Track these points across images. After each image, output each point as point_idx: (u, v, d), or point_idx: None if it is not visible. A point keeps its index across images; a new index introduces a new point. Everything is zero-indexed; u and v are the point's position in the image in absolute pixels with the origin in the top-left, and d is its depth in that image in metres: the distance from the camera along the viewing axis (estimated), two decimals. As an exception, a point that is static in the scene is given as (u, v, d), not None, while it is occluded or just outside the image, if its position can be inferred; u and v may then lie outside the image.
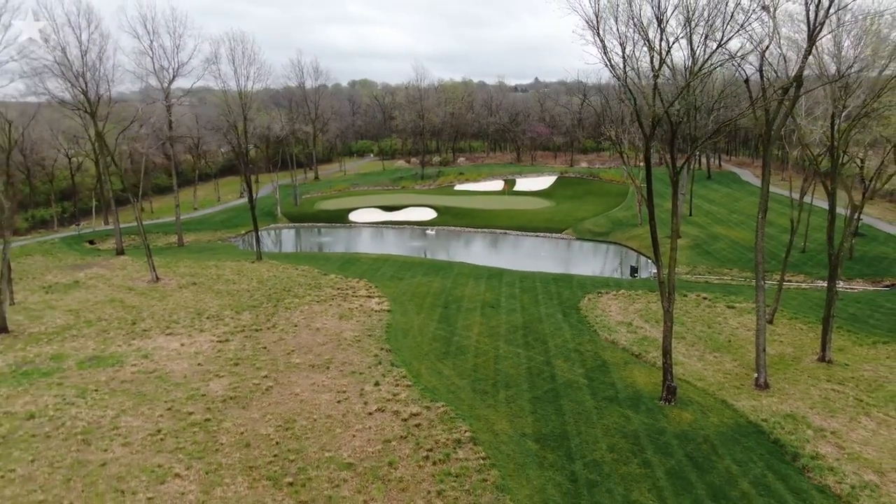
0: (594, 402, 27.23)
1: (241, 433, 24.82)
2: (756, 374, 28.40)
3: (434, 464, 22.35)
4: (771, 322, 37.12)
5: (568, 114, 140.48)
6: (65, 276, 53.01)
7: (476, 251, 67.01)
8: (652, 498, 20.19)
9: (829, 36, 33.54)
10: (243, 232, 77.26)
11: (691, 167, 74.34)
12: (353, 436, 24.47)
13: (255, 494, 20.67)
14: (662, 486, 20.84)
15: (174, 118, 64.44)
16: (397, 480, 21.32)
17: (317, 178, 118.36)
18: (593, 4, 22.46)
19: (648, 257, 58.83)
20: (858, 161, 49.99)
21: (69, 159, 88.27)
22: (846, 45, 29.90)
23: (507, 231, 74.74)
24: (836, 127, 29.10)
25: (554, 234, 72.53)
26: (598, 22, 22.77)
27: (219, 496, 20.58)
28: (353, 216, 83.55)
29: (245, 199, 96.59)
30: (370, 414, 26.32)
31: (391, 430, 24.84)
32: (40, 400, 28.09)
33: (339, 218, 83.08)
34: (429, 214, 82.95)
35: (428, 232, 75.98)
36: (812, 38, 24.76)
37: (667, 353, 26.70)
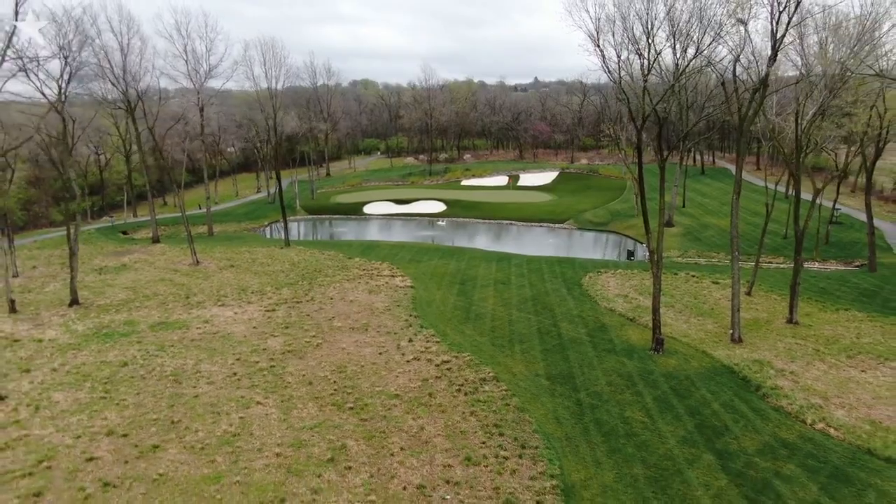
0: (595, 352, 32.46)
1: (303, 375, 30.01)
2: (731, 331, 33.63)
3: (465, 394, 27.56)
4: (749, 294, 42.38)
5: (568, 113, 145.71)
6: (111, 261, 58.17)
7: (485, 239, 72.12)
8: (642, 415, 25.42)
9: (815, 38, 38.80)
10: (266, 223, 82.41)
11: (684, 163, 79.52)
12: (397, 376, 29.67)
13: (324, 415, 25.86)
14: (650, 407, 26.08)
15: (203, 117, 69.40)
16: (437, 405, 26.53)
17: (328, 174, 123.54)
18: (594, 22, 27.67)
19: (644, 243, 63.93)
20: (833, 154, 55.35)
21: (98, 156, 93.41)
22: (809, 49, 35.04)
23: (513, 222, 79.95)
24: (799, 122, 34.29)
25: (556, 225, 77.72)
26: (597, 36, 27.98)
27: (296, 416, 25.78)
28: (367, 209, 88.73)
29: (262, 194, 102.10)
30: (408, 361, 31.50)
31: (427, 372, 30.07)
32: (127, 353, 33.29)
33: (354, 210, 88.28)
34: (438, 207, 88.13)
35: (439, 223, 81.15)
36: (775, 48, 29.91)
37: (655, 310, 31.94)
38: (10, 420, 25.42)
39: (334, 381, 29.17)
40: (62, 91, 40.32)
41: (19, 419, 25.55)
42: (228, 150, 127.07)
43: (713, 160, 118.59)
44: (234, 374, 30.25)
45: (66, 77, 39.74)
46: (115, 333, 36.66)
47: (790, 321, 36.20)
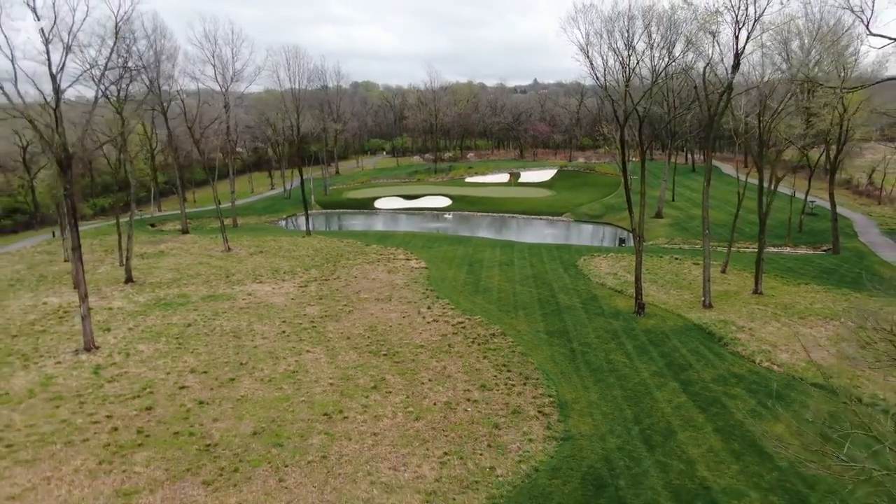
0: (587, 315, 38.24)
1: (341, 332, 35.75)
2: (703, 298, 39.42)
3: (479, 345, 33.32)
4: (724, 272, 48.17)
5: (567, 114, 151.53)
6: (149, 248, 63.93)
7: (488, 231, 77.86)
8: (623, 357, 31.20)
9: (798, 43, 44.50)
10: (284, 216, 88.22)
11: (673, 160, 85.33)
12: (420, 333, 35.42)
13: (364, 359, 31.60)
14: (630, 352, 31.86)
15: (229, 118, 75.16)
16: (456, 352, 32.29)
17: (337, 172, 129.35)
18: (584, 37, 33.50)
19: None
20: (805, 151, 61.15)
21: (121, 154, 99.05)
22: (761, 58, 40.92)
23: (514, 215, 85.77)
24: (761, 120, 40.09)
25: (555, 218, 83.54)
26: (587, 48, 33.81)
27: (341, 359, 31.53)
28: (377, 203, 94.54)
29: (276, 191, 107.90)
30: (428, 323, 37.24)
31: (445, 329, 35.83)
32: (188, 317, 39.06)
33: (365, 205, 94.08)
34: (444, 202, 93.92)
35: (446, 216, 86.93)
36: (737, 59, 35.70)
37: (638, 279, 37.74)
38: (109, 362, 31.21)
39: (368, 337, 34.92)
40: (121, 94, 46.10)
41: (115, 362, 31.34)
42: (237, 150, 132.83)
43: (704, 159, 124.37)
44: (284, 331, 36.01)
45: (125, 82, 45.50)
46: (173, 303, 42.42)
47: (756, 292, 41.98)
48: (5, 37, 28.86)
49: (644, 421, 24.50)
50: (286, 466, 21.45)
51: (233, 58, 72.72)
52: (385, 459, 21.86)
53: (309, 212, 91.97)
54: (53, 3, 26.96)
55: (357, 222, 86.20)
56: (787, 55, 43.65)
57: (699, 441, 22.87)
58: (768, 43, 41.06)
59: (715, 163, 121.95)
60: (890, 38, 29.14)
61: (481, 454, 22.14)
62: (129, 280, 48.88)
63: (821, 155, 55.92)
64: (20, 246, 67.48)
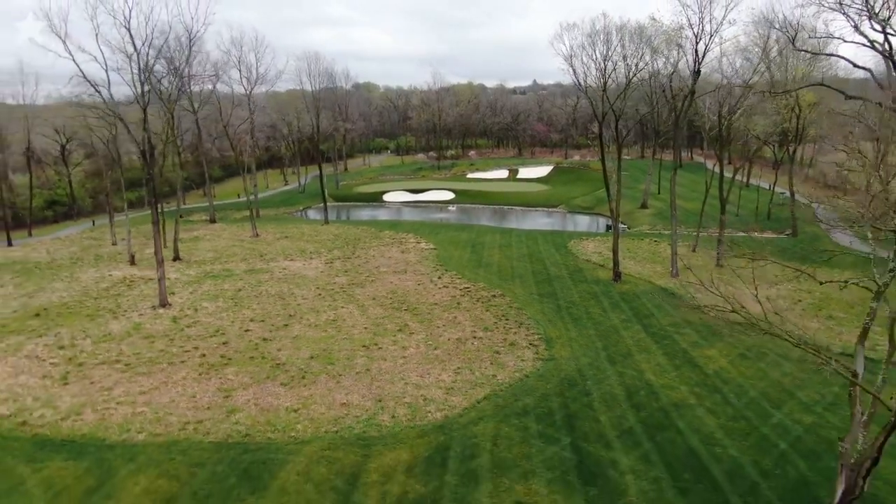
0: (572, 282, 45.53)
1: (368, 295, 42.98)
2: (671, 268, 46.71)
3: (482, 303, 40.57)
4: (694, 251, 55.46)
5: (563, 114, 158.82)
6: (184, 235, 70.70)
7: (489, 220, 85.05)
8: (599, 310, 38.49)
9: (777, 50, 51.83)
10: (300, 208, 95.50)
11: (658, 157, 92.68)
12: (433, 295, 42.67)
13: (388, 312, 38.84)
14: (606, 307, 39.16)
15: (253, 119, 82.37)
16: (464, 307, 39.54)
17: (346, 169, 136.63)
18: (568, 49, 40.86)
19: (624, 223, 76.81)
20: (773, 147, 68.53)
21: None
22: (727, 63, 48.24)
23: (513, 207, 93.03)
24: (722, 119, 47.40)
25: (550, 209, 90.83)
26: (571, 59, 41.16)
27: (370, 312, 38.78)
28: (385, 197, 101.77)
29: (290, 186, 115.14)
30: (440, 288, 44.48)
31: (454, 292, 43.09)
32: (237, 284, 46.29)
33: (374, 198, 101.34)
34: (448, 196, 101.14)
35: (449, 208, 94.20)
36: (697, 67, 43.01)
37: (615, 252, 45.06)
38: (182, 314, 38.48)
39: (390, 298, 42.17)
40: (172, 96, 53.32)
41: (188, 314, 38.61)
42: (250, 149, 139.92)
43: (691, 156, 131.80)
44: (320, 294, 43.27)
45: (175, 85, 52.72)
46: (220, 275, 49.67)
47: (717, 264, 49.22)
48: (101, 51, 36.14)
49: (610, 349, 31.80)
50: (340, 375, 28.73)
51: (256, 63, 79.96)
52: (413, 371, 29.14)
53: (323, 205, 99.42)
54: (146, 26, 34.20)
55: (368, 213, 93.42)
56: (735, 64, 51.12)
57: (650, 360, 30.17)
58: (726, 52, 48.65)
59: (700, 159, 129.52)
60: (810, 52, 36.61)
61: (486, 368, 29.42)
62: (176, 258, 56.13)
63: (784, 150, 63.13)
64: (66, 233, 74.72)
